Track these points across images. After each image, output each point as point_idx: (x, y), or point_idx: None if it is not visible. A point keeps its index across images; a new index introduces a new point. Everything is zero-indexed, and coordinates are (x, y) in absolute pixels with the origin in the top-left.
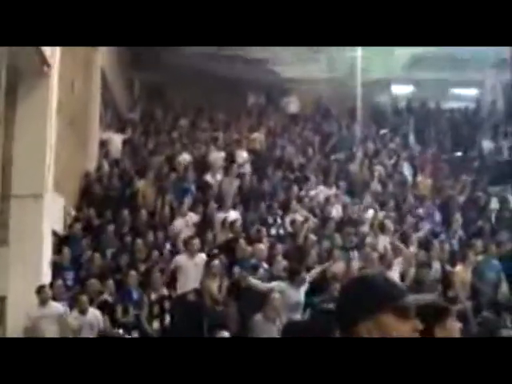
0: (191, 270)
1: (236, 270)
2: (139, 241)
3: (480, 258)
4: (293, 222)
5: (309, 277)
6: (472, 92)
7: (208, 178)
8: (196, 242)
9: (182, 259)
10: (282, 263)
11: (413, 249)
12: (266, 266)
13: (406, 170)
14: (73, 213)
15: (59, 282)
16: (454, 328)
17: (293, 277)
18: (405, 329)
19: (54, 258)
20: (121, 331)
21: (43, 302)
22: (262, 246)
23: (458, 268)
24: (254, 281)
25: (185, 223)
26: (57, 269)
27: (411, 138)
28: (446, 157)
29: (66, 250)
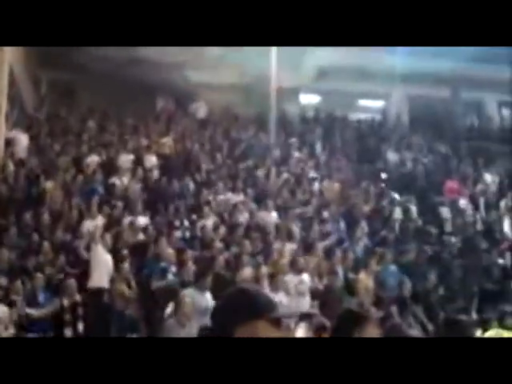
0: (105, 263)
1: (145, 272)
2: (46, 243)
3: (380, 266)
4: (202, 228)
5: None
6: (379, 104)
7: (115, 180)
8: (108, 238)
9: (99, 250)
10: (192, 268)
11: (318, 256)
12: (174, 269)
13: (313, 178)
14: None
15: None
16: (374, 335)
17: (199, 281)
18: (277, 335)
19: None
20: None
21: None
22: (171, 250)
23: (361, 275)
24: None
25: (94, 225)
26: None
27: (318, 147)
28: (352, 166)
29: None
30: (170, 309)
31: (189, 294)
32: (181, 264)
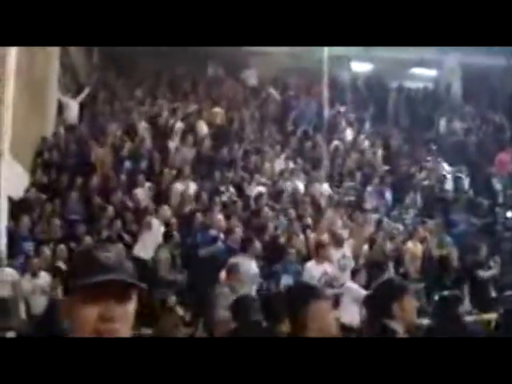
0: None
1: (192, 240)
2: (110, 207)
3: (432, 235)
4: (257, 196)
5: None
6: (431, 73)
7: (169, 143)
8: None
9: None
10: (239, 235)
11: (367, 226)
12: (223, 236)
13: (365, 146)
14: (27, 178)
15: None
16: (410, 306)
17: (247, 248)
18: (87, 314)
19: (10, 225)
20: None
21: None
22: (221, 217)
23: (409, 245)
24: None
25: (144, 192)
26: (14, 236)
27: (369, 115)
28: (403, 135)
29: (25, 219)
30: (222, 276)
31: (241, 262)
32: (228, 231)
